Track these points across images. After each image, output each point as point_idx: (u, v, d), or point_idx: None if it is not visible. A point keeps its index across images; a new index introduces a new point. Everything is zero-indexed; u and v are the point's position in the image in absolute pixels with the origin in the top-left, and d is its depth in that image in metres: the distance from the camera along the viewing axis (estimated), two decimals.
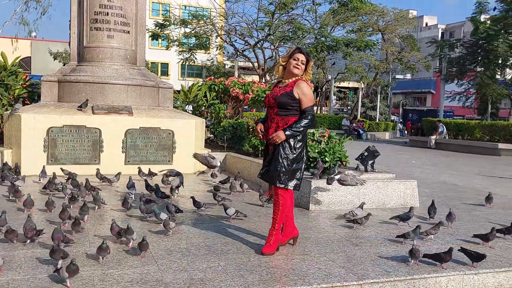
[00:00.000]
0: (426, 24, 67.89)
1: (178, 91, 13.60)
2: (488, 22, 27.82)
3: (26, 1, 34.99)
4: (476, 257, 3.94)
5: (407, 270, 3.79)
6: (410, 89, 60.99)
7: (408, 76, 56.80)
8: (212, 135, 11.32)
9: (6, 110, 9.65)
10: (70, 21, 9.24)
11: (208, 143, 10.75)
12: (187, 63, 31.70)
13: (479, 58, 27.97)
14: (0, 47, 28.31)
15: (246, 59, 30.03)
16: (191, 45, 30.03)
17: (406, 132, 36.69)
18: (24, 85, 11.73)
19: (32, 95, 11.67)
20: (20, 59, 15.08)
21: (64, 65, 10.18)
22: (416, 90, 61.15)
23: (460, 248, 4.11)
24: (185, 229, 4.81)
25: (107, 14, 8.78)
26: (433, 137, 22.23)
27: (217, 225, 5.00)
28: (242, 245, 4.32)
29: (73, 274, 3.21)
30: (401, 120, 44.80)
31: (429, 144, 22.17)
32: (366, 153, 6.78)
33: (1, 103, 10.53)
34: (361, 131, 30.63)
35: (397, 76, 48.23)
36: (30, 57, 41.40)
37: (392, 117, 46.52)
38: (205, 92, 12.04)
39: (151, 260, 3.80)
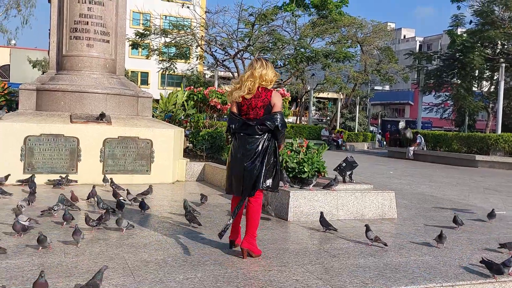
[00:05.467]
0: (404, 37, 69.09)
1: (157, 101, 13.55)
2: (465, 35, 28.42)
3: (7, 9, 34.65)
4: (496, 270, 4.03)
5: (384, 282, 3.81)
6: (388, 100, 61.82)
7: (387, 87, 57.60)
8: (191, 144, 11.28)
9: None
10: (49, 29, 9.17)
11: (187, 153, 10.72)
12: (167, 73, 31.66)
13: (456, 70, 28.50)
14: None
15: (226, 69, 30.13)
16: (172, 54, 30.01)
17: (384, 143, 37.10)
18: (2, 93, 11.59)
19: (10, 104, 11.53)
20: None
21: (43, 73, 10.07)
22: (394, 101, 62.01)
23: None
24: (162, 240, 4.78)
25: (87, 23, 8.74)
26: (412, 148, 22.53)
27: (195, 236, 4.97)
28: (219, 256, 4.30)
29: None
30: (379, 131, 45.30)
31: (408, 155, 22.45)
32: (344, 164, 6.83)
33: None
34: (340, 142, 30.87)
35: (376, 87, 48.96)
36: (9, 65, 40.87)
37: (371, 128, 47.02)
38: (183, 102, 12.01)
39: (127, 271, 3.76)
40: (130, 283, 3.52)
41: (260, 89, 4.29)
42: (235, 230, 4.52)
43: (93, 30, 8.79)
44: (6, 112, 8.48)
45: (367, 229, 4.92)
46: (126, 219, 5.05)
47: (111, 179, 7.35)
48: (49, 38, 9.25)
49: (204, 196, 6.78)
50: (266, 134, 4.28)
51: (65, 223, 5.05)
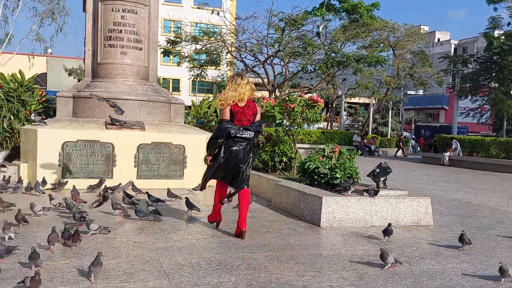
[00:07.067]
0: (438, 40, 67.78)
1: (189, 107, 13.68)
2: (502, 37, 27.67)
3: (42, 18, 35.76)
4: None
5: None
6: (422, 105, 60.65)
7: (420, 92, 56.51)
8: None
9: (23, 125, 9.78)
10: (84, 38, 9.40)
11: None
12: (198, 79, 31.92)
13: (493, 73, 27.75)
14: (17, 64, 28.92)
15: (256, 75, 30.17)
16: (202, 61, 30.25)
17: (418, 148, 36.42)
18: (40, 101, 11.93)
19: (48, 111, 11.87)
20: (37, 75, 15.34)
21: (78, 81, 10.34)
22: (428, 106, 60.80)
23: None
24: (196, 243, 4.81)
25: (121, 32, 8.92)
26: (447, 154, 22.04)
27: (228, 240, 4.99)
28: (253, 261, 4.30)
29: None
30: (413, 136, 44.54)
31: (443, 161, 21.98)
32: (378, 170, 6.73)
33: (18, 118, 10.71)
34: (372, 147, 30.49)
35: (409, 92, 48.10)
36: (46, 73, 42.05)
37: (404, 133, 46.26)
38: (216, 108, 12.11)
39: (163, 274, 3.81)
40: (166, 285, 3.56)
41: (248, 100, 5.11)
42: (219, 213, 5.48)
43: (126, 38, 8.96)
44: (43, 119, 8.71)
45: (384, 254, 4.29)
46: (96, 223, 4.98)
47: (132, 182, 7.62)
48: (84, 46, 9.47)
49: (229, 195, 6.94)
50: None
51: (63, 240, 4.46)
